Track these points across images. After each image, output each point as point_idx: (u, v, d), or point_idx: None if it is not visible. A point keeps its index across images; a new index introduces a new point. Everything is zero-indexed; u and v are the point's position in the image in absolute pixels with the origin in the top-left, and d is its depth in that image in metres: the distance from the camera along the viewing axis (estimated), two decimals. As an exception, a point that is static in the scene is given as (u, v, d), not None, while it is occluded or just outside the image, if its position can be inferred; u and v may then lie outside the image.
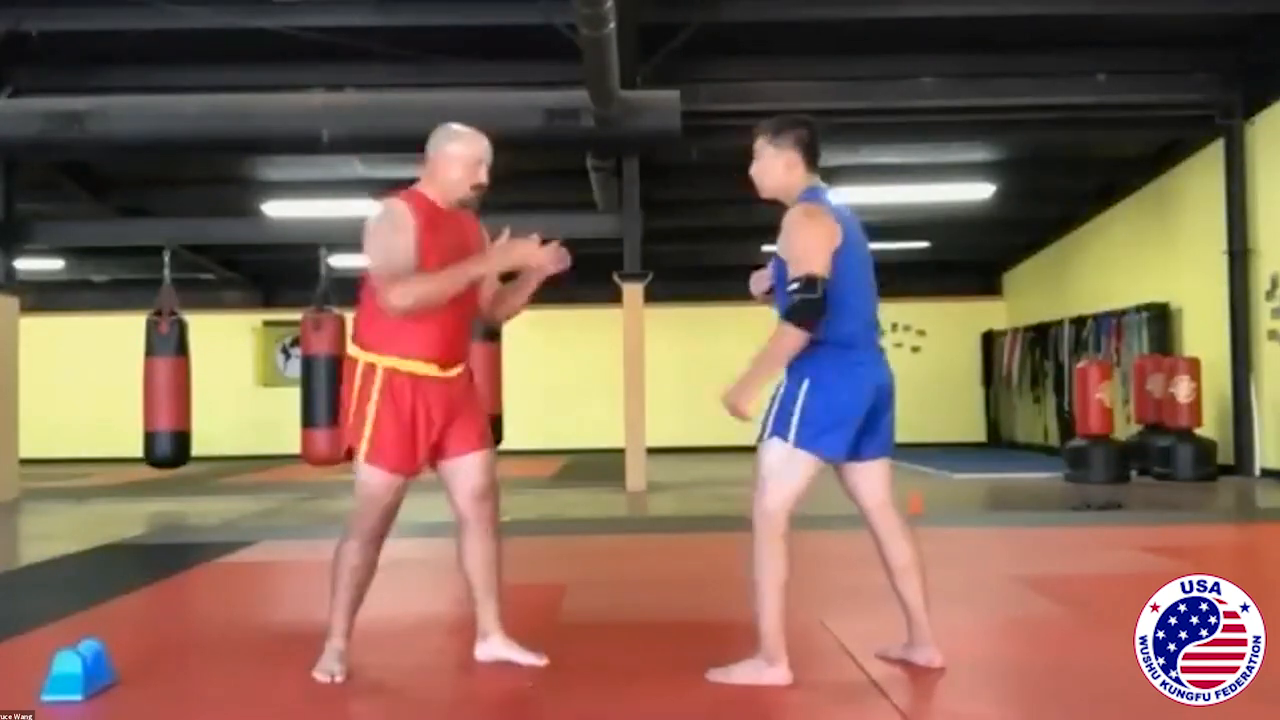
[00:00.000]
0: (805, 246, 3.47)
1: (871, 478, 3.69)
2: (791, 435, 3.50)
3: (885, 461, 3.71)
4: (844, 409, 3.50)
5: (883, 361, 3.66)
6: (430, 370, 3.68)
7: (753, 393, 3.51)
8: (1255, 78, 11.45)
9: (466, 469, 3.81)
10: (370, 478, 3.67)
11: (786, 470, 3.52)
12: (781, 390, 3.58)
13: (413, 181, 3.82)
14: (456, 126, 3.83)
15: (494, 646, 3.87)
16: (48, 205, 14.17)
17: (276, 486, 12.57)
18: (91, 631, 3.90)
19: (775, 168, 3.66)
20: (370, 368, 3.67)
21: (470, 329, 3.90)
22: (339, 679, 3.65)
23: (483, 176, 3.78)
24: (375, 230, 3.66)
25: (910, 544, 3.71)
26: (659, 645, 4.17)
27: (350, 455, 3.73)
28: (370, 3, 10.16)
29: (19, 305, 11.86)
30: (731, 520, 8.24)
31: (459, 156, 3.75)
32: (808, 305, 3.40)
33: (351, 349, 3.75)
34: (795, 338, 3.45)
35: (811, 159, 3.66)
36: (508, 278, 3.93)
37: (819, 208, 3.56)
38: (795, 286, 3.42)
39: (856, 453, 3.60)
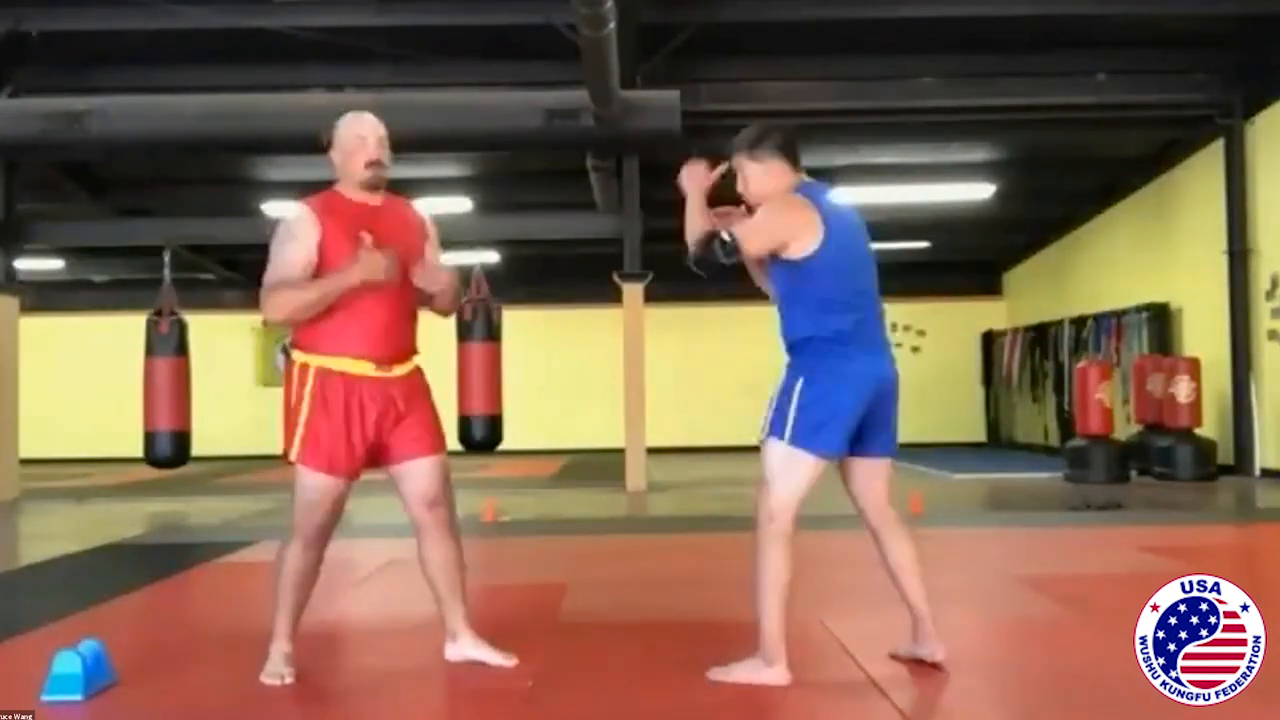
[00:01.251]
0: (759, 224, 3.59)
1: (872, 476, 3.70)
2: (788, 434, 3.51)
3: (887, 461, 3.72)
4: (838, 405, 3.51)
5: (885, 356, 3.66)
6: (366, 369, 3.64)
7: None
8: (1255, 78, 11.46)
9: (415, 474, 3.75)
10: (305, 479, 3.66)
11: (788, 470, 3.52)
12: (778, 389, 3.59)
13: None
14: (347, 114, 3.79)
15: (464, 647, 3.85)
16: (48, 205, 14.16)
17: (276, 486, 12.52)
18: (91, 631, 3.90)
19: (761, 179, 3.69)
20: (304, 368, 3.66)
21: (411, 326, 3.80)
22: (288, 680, 3.63)
23: (373, 152, 3.70)
24: (273, 241, 3.65)
25: (909, 542, 3.72)
26: (659, 645, 4.16)
27: (286, 456, 3.70)
28: (370, 3, 10.17)
29: (19, 305, 11.86)
30: (731, 520, 8.25)
31: (344, 139, 3.72)
32: (712, 256, 3.58)
33: (293, 352, 3.74)
34: (693, 246, 3.67)
35: (793, 161, 3.70)
36: None
37: (800, 200, 3.60)
38: (727, 238, 3.54)
39: (859, 449, 3.61)
